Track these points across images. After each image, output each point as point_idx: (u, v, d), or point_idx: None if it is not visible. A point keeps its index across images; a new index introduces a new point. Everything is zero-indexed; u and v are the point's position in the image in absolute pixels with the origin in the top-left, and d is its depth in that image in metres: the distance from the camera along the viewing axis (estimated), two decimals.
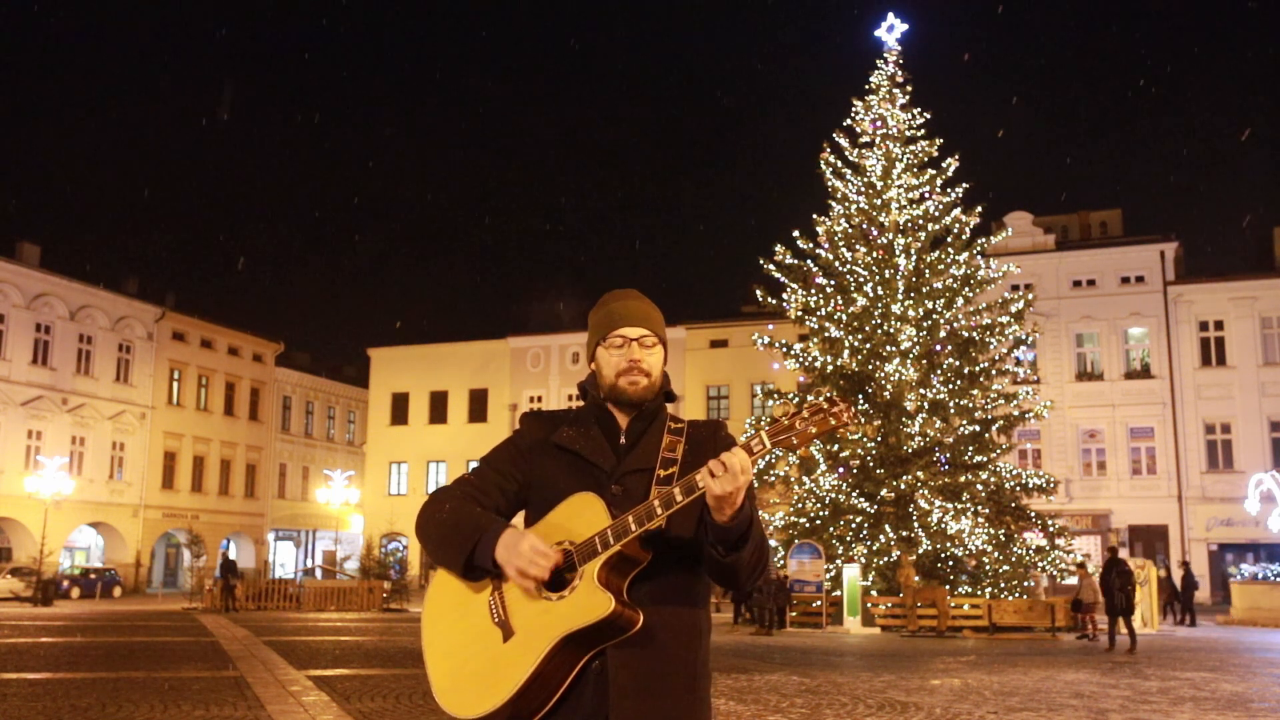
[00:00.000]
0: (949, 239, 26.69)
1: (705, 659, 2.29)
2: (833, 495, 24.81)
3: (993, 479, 25.03)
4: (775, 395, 27.79)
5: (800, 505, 25.37)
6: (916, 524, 24.07)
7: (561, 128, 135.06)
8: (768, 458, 18.99)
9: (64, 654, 13.96)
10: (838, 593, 23.46)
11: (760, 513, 2.21)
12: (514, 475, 2.36)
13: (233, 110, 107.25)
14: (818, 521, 25.00)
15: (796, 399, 26.50)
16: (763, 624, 22.14)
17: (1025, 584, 24.34)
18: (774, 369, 28.26)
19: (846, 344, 25.73)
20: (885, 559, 24.26)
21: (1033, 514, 25.20)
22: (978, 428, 25.28)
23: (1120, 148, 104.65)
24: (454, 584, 2.29)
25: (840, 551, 24.66)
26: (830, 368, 25.71)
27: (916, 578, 23.51)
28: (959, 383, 25.38)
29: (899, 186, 26.71)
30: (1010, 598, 23.52)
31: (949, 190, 26.89)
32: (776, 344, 26.34)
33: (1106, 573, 19.51)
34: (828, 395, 2.12)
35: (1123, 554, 35.36)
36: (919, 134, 27.38)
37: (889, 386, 25.12)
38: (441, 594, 2.31)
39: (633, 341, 2.33)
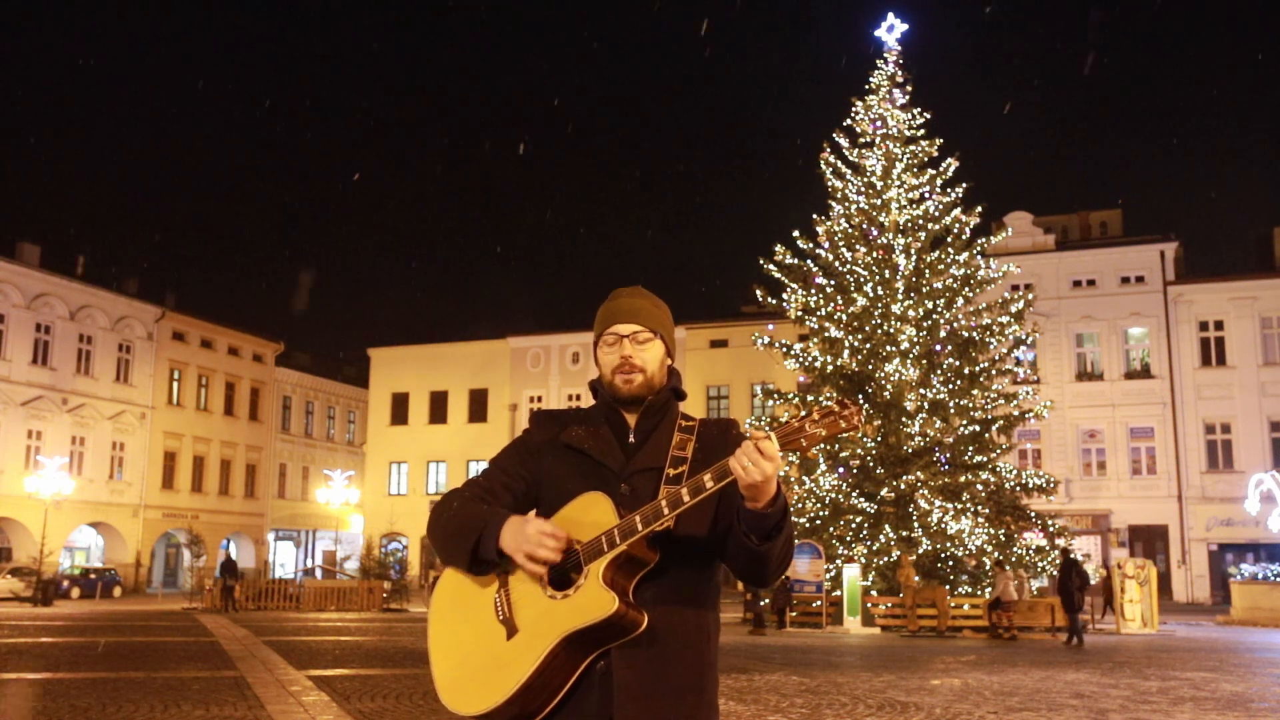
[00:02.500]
0: (949, 239, 26.68)
1: (713, 661, 2.27)
2: (833, 495, 24.80)
3: (993, 479, 25.03)
4: (775, 395, 27.79)
5: (800, 505, 25.36)
6: (916, 524, 24.07)
7: (562, 128, 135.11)
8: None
9: (64, 654, 13.96)
10: (838, 593, 23.45)
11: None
12: (522, 475, 2.35)
13: (233, 110, 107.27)
14: (818, 521, 24.99)
15: (796, 398, 26.49)
16: (757, 624, 22.15)
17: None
18: (787, 369, 27.95)
19: (846, 344, 25.72)
20: (885, 559, 24.25)
21: (1033, 514, 25.20)
22: (978, 428, 25.28)
23: (1120, 148, 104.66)
24: (461, 581, 2.28)
25: (840, 551, 24.65)
26: (830, 368, 25.70)
27: (916, 578, 23.51)
28: (959, 383, 25.37)
29: (899, 186, 26.71)
30: None
31: (949, 190, 26.88)
32: (776, 344, 26.33)
33: (1065, 573, 19.99)
34: (839, 398, 2.10)
35: (1123, 554, 35.50)
36: (919, 134, 27.37)
37: (889, 386, 25.11)
38: (448, 591, 2.30)
39: (624, 339, 2.32)
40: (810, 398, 25.89)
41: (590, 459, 2.29)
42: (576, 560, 2.14)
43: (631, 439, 2.33)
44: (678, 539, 2.18)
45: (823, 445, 2.22)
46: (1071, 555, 20.81)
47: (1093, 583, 26.07)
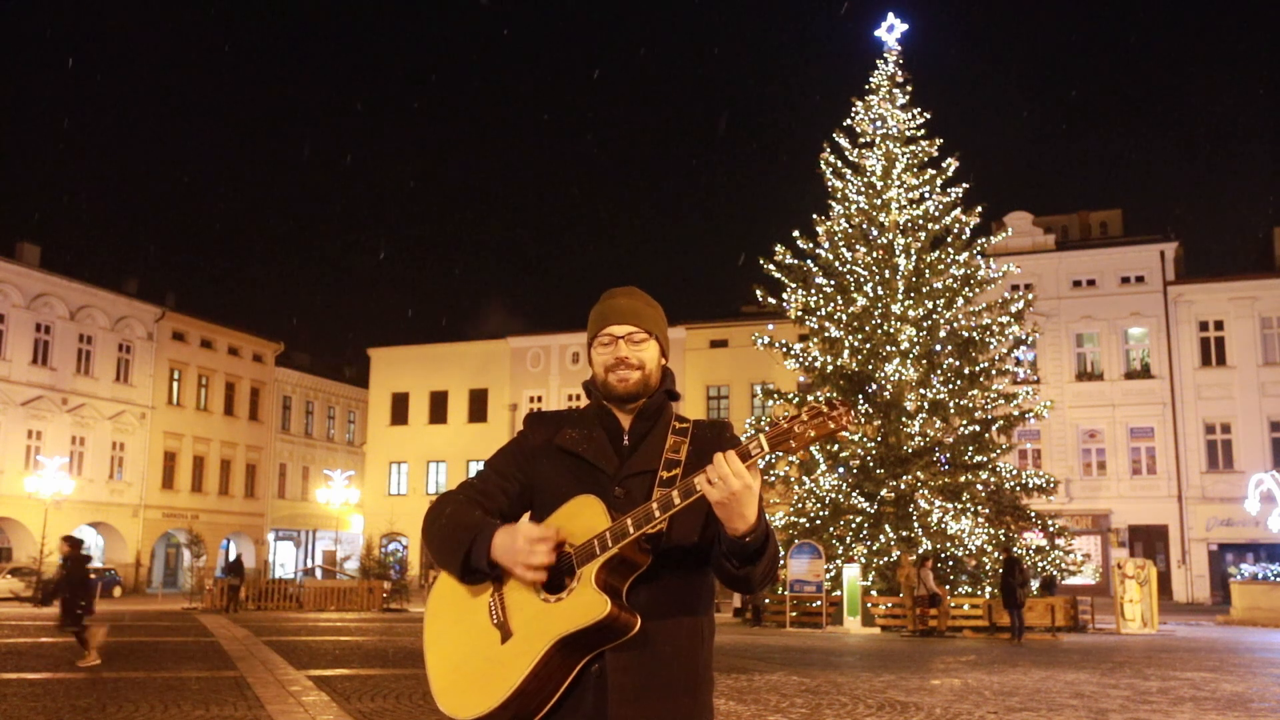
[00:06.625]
0: (949, 239, 26.66)
1: (707, 663, 2.27)
2: (833, 495, 24.79)
3: (993, 479, 25.02)
4: (775, 395, 27.77)
5: (800, 505, 25.36)
6: (916, 524, 24.06)
7: (562, 128, 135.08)
8: (768, 459, 18.96)
9: (64, 654, 13.96)
10: (838, 593, 23.45)
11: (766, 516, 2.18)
12: (517, 477, 2.35)
13: (233, 110, 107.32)
14: (818, 521, 24.98)
15: (795, 399, 26.48)
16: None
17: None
18: (787, 369, 27.94)
19: (846, 344, 25.71)
20: (885, 559, 24.24)
21: (1033, 514, 25.19)
22: (978, 428, 25.26)
23: (1120, 148, 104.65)
24: (456, 585, 2.27)
25: (840, 551, 24.65)
26: (830, 368, 25.69)
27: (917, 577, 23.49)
28: (959, 383, 25.35)
29: (899, 186, 26.70)
30: None
31: (949, 190, 26.86)
32: (776, 344, 26.31)
33: (1008, 572, 20.53)
34: (827, 397, 2.09)
35: (1123, 554, 35.53)
36: (919, 134, 27.36)
37: (889, 386, 25.10)
38: (444, 595, 2.30)
39: (620, 339, 2.32)
40: (810, 397, 25.86)
41: (584, 462, 2.28)
42: (570, 563, 2.14)
43: (626, 441, 2.32)
44: (671, 542, 2.18)
45: (815, 445, 2.21)
46: (1014, 553, 21.25)
47: (1092, 581, 26.20)
